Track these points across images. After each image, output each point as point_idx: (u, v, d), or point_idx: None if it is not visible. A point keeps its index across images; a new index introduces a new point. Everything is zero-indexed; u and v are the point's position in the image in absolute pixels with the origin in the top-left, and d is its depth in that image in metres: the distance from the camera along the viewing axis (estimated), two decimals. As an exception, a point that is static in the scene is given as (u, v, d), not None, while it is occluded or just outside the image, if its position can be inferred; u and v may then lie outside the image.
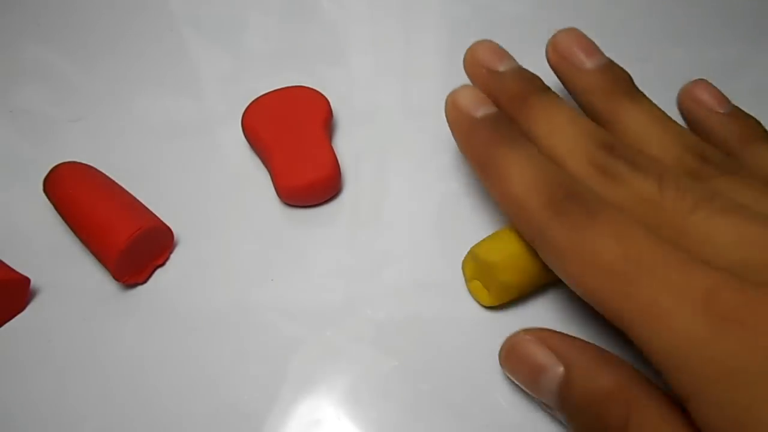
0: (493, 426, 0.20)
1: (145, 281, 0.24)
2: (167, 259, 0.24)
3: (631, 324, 0.16)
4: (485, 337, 0.22)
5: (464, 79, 0.31)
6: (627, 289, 0.16)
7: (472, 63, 0.25)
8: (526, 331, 0.19)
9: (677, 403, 0.16)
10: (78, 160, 0.25)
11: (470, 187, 0.26)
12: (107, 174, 0.25)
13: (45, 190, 0.25)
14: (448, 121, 0.23)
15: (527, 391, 0.19)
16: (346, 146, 0.28)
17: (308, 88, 0.28)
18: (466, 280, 0.23)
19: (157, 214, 0.24)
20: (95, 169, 0.25)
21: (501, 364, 0.20)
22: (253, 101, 0.27)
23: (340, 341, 0.22)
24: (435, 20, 0.34)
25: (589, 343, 0.19)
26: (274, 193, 0.26)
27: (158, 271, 0.24)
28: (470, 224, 0.25)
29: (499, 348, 0.20)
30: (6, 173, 0.28)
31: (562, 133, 0.21)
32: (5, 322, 0.23)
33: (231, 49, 0.33)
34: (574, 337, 0.19)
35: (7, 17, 0.35)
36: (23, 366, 0.22)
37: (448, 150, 0.28)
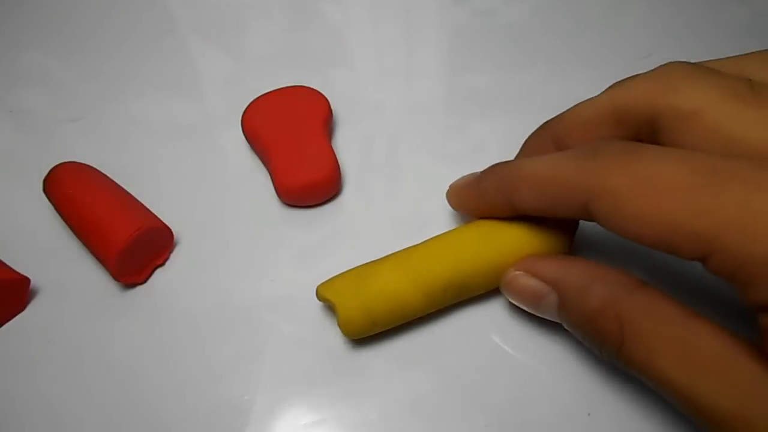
0: (492, 426, 0.20)
1: (144, 281, 0.24)
2: (167, 259, 0.24)
3: (713, 240, 0.15)
4: (485, 332, 0.22)
5: (462, 83, 0.32)
6: (706, 203, 0.15)
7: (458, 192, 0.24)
8: (516, 265, 0.20)
9: (670, 300, 0.17)
10: (78, 161, 0.25)
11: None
12: (107, 174, 0.25)
13: (45, 190, 0.25)
14: (457, 207, 0.24)
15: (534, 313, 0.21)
16: (345, 147, 0.28)
17: (307, 87, 0.28)
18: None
19: (157, 214, 0.24)
20: (95, 170, 0.25)
21: (503, 291, 0.21)
22: (253, 101, 0.27)
23: (337, 343, 0.22)
24: (434, 25, 0.35)
25: (577, 259, 0.20)
26: (274, 193, 0.26)
27: (158, 271, 0.24)
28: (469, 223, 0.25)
29: (493, 352, 0.20)
30: (6, 173, 0.28)
31: None
32: (5, 322, 0.23)
33: (232, 51, 0.33)
34: (563, 258, 0.20)
35: (7, 19, 0.35)
36: (23, 365, 0.22)
37: (447, 151, 0.28)
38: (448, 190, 0.24)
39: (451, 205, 0.24)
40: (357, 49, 0.33)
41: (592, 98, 0.22)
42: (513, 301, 0.21)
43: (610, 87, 0.21)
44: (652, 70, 0.20)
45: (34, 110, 0.30)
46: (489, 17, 0.34)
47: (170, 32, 0.34)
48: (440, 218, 0.25)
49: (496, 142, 0.28)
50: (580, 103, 0.22)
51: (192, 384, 0.21)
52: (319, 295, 0.21)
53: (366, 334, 0.21)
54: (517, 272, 0.20)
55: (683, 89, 0.18)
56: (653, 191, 0.16)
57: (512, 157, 0.25)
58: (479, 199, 0.22)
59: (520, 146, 0.25)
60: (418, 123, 0.29)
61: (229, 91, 0.31)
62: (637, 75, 0.20)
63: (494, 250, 0.21)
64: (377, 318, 0.20)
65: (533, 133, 0.24)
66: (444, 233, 0.22)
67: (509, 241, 0.21)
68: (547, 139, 0.23)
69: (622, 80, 0.21)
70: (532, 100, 0.30)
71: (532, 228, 0.21)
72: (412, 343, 0.22)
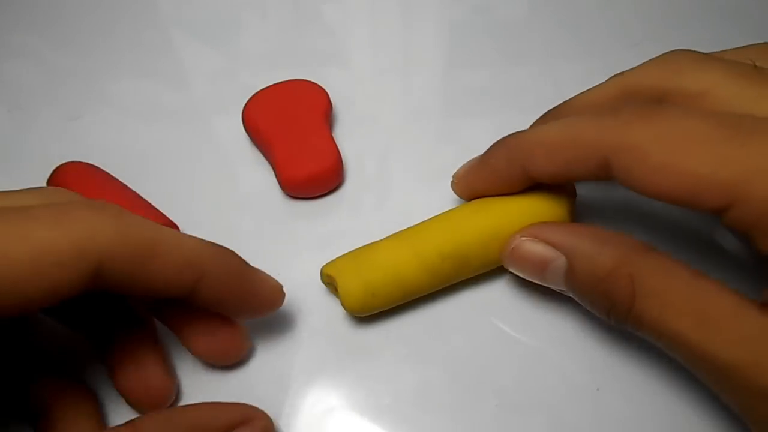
0: (503, 409, 0.20)
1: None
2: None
3: (736, 189, 0.15)
4: (489, 318, 0.22)
5: (461, 78, 0.32)
6: (732, 153, 0.15)
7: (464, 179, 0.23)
8: (522, 231, 0.20)
9: (679, 262, 0.17)
10: (79, 159, 0.25)
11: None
12: (109, 172, 0.25)
13: (47, 190, 0.25)
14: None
15: (535, 282, 0.20)
16: (347, 140, 0.28)
17: (307, 81, 0.28)
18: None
19: (160, 210, 0.24)
20: (97, 168, 0.25)
21: (505, 265, 0.21)
22: (253, 95, 0.27)
23: (346, 331, 0.22)
24: (434, 21, 0.35)
25: (584, 225, 0.20)
26: (277, 185, 0.26)
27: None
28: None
29: (500, 334, 0.20)
30: (6, 173, 0.28)
31: None
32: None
33: (232, 49, 0.33)
34: (570, 224, 0.20)
35: (7, 20, 0.35)
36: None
37: (448, 142, 0.28)
38: (452, 180, 0.23)
39: (458, 194, 0.23)
40: (354, 46, 0.33)
41: (597, 85, 0.22)
42: (515, 270, 0.21)
43: (615, 75, 0.22)
44: (659, 56, 0.21)
45: (34, 110, 0.30)
46: (486, 14, 0.34)
47: (170, 31, 0.34)
48: (442, 207, 0.25)
49: (494, 137, 0.28)
50: (586, 90, 0.22)
51: (202, 376, 0.21)
52: (323, 275, 0.21)
53: (368, 309, 0.21)
54: (523, 237, 0.20)
55: (690, 71, 0.19)
56: (678, 143, 0.16)
57: None
58: (489, 176, 0.22)
59: None
60: (417, 119, 0.29)
61: (229, 88, 0.31)
62: (644, 62, 0.21)
63: (493, 219, 0.21)
64: (376, 289, 0.20)
65: (538, 120, 0.24)
66: (445, 211, 0.22)
67: (508, 211, 0.21)
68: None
69: (631, 69, 0.21)
70: (531, 95, 0.30)
71: (531, 199, 0.21)
72: (419, 327, 0.22)
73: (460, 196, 0.23)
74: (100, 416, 0.19)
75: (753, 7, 0.34)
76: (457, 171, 0.23)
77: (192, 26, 0.35)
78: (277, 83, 0.28)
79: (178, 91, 0.31)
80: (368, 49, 0.33)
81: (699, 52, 0.20)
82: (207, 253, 0.17)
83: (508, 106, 0.30)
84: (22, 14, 0.35)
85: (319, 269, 0.22)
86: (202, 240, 0.18)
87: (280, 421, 0.20)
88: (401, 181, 0.27)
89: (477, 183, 0.22)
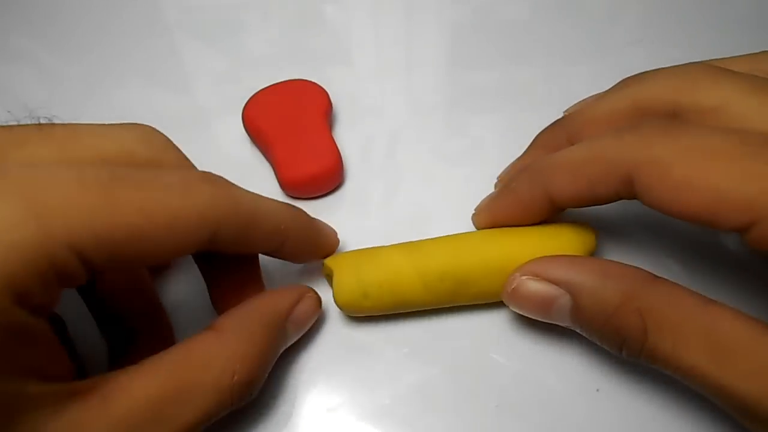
0: (503, 408, 0.20)
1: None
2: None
3: (760, 206, 0.15)
4: (490, 318, 0.22)
5: (462, 78, 0.32)
6: (756, 169, 0.15)
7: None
8: (520, 269, 0.19)
9: (687, 290, 0.17)
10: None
11: (470, 178, 0.26)
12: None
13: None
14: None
15: (540, 320, 0.20)
16: (346, 142, 0.28)
17: (306, 81, 0.28)
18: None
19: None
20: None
21: (506, 303, 0.20)
22: (253, 95, 0.27)
23: (346, 331, 0.22)
24: (435, 21, 0.35)
25: (585, 258, 0.19)
26: (277, 185, 0.26)
27: (159, 271, 0.24)
28: (470, 214, 0.25)
29: (500, 333, 0.20)
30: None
31: None
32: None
33: (232, 50, 0.33)
34: (569, 257, 0.19)
35: (9, 24, 0.35)
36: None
37: (449, 142, 0.28)
38: (474, 215, 0.23)
39: (478, 227, 0.23)
40: (356, 47, 0.33)
41: (605, 94, 0.22)
42: (519, 311, 0.20)
43: (623, 83, 0.21)
44: (671, 68, 0.20)
45: (32, 109, 0.30)
46: (488, 15, 0.34)
47: (172, 32, 0.34)
48: (441, 208, 0.26)
49: (495, 138, 0.28)
50: (594, 100, 0.22)
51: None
52: (324, 267, 0.22)
53: (358, 308, 0.21)
54: (523, 277, 0.19)
55: (705, 86, 0.18)
56: (701, 158, 0.16)
57: (512, 154, 0.25)
58: (511, 203, 0.21)
59: (519, 142, 0.25)
60: (418, 119, 0.29)
61: (230, 89, 0.31)
62: (656, 71, 0.20)
63: (501, 251, 0.20)
64: (370, 291, 0.20)
65: (545, 130, 0.24)
66: (458, 232, 0.22)
67: (519, 244, 0.20)
68: (561, 134, 0.22)
69: (637, 76, 0.21)
70: (532, 96, 0.30)
71: (547, 233, 0.21)
72: (419, 327, 0.22)
73: (480, 229, 0.23)
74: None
75: (754, 6, 0.34)
76: (478, 206, 0.23)
77: (193, 28, 0.35)
78: (277, 83, 0.28)
79: (179, 92, 0.31)
80: (369, 49, 0.33)
81: (712, 65, 0.19)
82: (289, 216, 0.20)
83: (510, 107, 0.30)
84: (25, 18, 0.36)
85: (320, 269, 0.22)
86: (284, 204, 0.20)
87: (280, 421, 0.20)
88: (401, 181, 0.27)
89: (498, 211, 0.22)
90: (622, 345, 0.17)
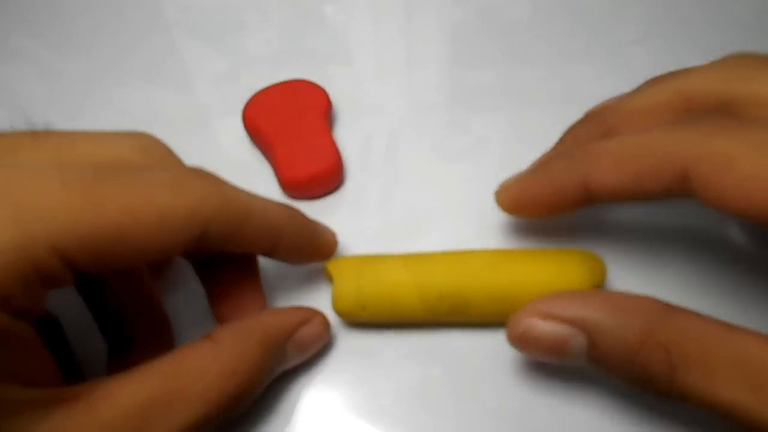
0: (503, 408, 0.20)
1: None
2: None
3: None
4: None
5: (463, 78, 0.32)
6: None
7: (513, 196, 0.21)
8: (527, 310, 0.17)
9: (706, 317, 0.16)
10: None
11: (471, 178, 0.26)
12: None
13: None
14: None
15: (553, 363, 0.18)
16: (347, 142, 0.28)
17: (306, 81, 0.28)
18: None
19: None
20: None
21: (512, 346, 0.18)
22: (253, 96, 0.27)
23: (346, 331, 0.22)
24: (436, 21, 0.35)
25: (596, 292, 0.18)
26: (277, 185, 0.26)
27: (163, 275, 0.24)
28: (471, 215, 0.25)
29: (500, 333, 0.19)
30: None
31: None
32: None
33: (231, 50, 0.33)
34: (578, 293, 0.17)
35: (8, 23, 0.35)
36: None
37: (448, 146, 0.28)
38: (497, 191, 0.21)
39: (501, 205, 0.21)
40: (356, 47, 0.33)
41: (640, 90, 0.21)
42: (527, 354, 0.18)
43: (657, 79, 0.20)
44: (718, 61, 0.19)
45: (31, 109, 0.30)
46: (489, 14, 0.34)
47: (172, 32, 0.34)
48: (441, 209, 0.25)
49: (497, 138, 0.28)
50: (628, 95, 0.21)
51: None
52: (326, 270, 0.22)
53: (355, 318, 0.21)
54: (530, 319, 0.17)
55: (759, 76, 0.17)
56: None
57: (514, 154, 0.24)
58: (542, 185, 0.20)
59: (521, 142, 0.24)
60: (419, 119, 0.29)
61: (231, 89, 0.31)
62: (700, 65, 0.19)
63: (503, 275, 0.20)
64: (368, 303, 0.20)
65: (576, 123, 0.22)
66: (465, 250, 0.21)
67: (520, 269, 0.20)
68: (595, 128, 0.21)
69: (676, 71, 0.20)
70: (533, 96, 0.30)
71: (547, 257, 0.20)
72: (419, 327, 0.22)
73: (501, 208, 0.21)
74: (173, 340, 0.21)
75: (756, 5, 0.34)
76: (505, 181, 0.21)
77: (193, 28, 0.35)
78: (277, 83, 0.28)
79: (178, 92, 0.31)
80: (369, 49, 0.33)
81: (760, 56, 0.18)
82: (284, 215, 0.19)
83: (511, 107, 0.30)
84: (24, 18, 0.35)
85: (322, 275, 0.22)
86: (279, 203, 0.19)
87: (280, 421, 0.20)
88: (402, 182, 0.27)
89: (527, 190, 0.20)
90: (649, 383, 0.16)
